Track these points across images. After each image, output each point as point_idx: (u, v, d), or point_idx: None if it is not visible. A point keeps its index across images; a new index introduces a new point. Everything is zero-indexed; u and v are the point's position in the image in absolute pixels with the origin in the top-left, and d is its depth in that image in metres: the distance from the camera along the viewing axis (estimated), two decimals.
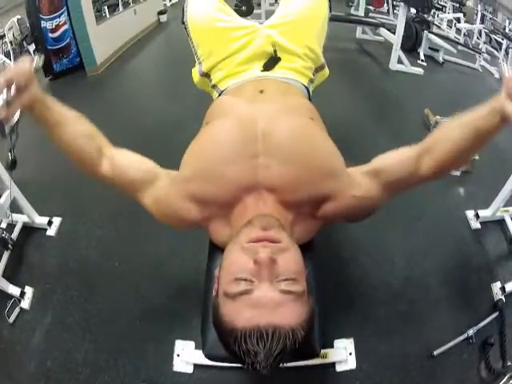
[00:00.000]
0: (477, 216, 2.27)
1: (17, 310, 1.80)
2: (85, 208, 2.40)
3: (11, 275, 1.91)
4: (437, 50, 5.07)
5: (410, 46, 5.04)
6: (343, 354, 1.60)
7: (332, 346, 1.61)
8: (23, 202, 2.11)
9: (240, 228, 0.91)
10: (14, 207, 2.07)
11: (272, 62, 1.41)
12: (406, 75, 4.46)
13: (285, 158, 0.99)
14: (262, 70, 1.40)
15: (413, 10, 5.20)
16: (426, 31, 5.05)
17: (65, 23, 4.25)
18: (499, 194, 2.16)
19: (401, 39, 4.43)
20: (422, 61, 4.86)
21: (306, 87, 1.48)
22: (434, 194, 2.48)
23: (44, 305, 1.84)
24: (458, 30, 6.63)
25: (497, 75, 4.85)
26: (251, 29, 1.46)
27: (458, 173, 2.64)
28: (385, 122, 3.27)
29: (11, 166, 1.05)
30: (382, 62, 4.74)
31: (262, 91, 1.29)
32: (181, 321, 1.74)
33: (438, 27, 6.30)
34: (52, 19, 4.12)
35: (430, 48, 5.13)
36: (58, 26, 4.19)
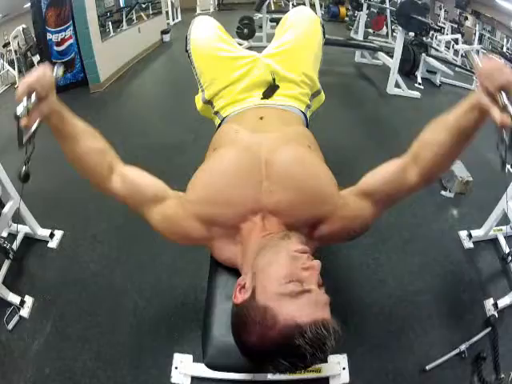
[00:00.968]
0: (469, 236, 2.32)
1: (16, 318, 1.81)
2: (87, 222, 2.44)
3: (11, 284, 1.93)
4: (434, 73, 5.17)
5: (408, 69, 5.17)
6: (337, 368, 1.62)
7: (326, 361, 1.64)
8: (26, 214, 2.14)
9: (275, 240, 0.98)
10: (17, 218, 2.08)
11: (271, 90, 1.50)
12: (403, 99, 4.56)
13: (284, 184, 1.07)
14: (261, 98, 1.49)
15: (411, 33, 5.35)
16: (423, 54, 5.15)
17: (70, 37, 4.32)
18: (492, 214, 2.21)
19: (398, 63, 4.52)
20: (419, 84, 4.96)
21: (304, 113, 1.56)
22: (427, 215, 2.55)
23: (43, 314, 1.86)
24: (456, 51, 6.75)
25: None
26: (251, 58, 1.56)
27: (451, 194, 2.70)
28: (382, 146, 3.31)
29: (24, 179, 0.96)
30: (380, 86, 4.86)
31: (261, 118, 1.36)
32: (179, 334, 1.76)
33: (436, 49, 6.43)
34: (58, 32, 4.20)
35: (427, 71, 5.23)
36: (63, 40, 4.26)
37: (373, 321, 1.84)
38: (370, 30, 7.37)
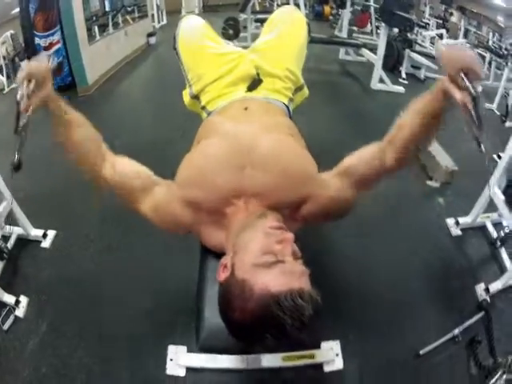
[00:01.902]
0: (457, 223, 2.37)
1: (11, 318, 1.82)
2: (79, 222, 2.45)
3: (6, 285, 1.93)
4: (418, 68, 5.23)
5: (392, 64, 5.23)
6: (330, 354, 1.65)
7: (319, 347, 1.67)
8: (20, 215, 2.15)
9: (252, 220, 1.03)
10: (9, 219, 2.11)
11: (255, 83, 1.55)
12: (387, 94, 4.63)
13: (266, 169, 1.12)
14: (246, 91, 1.54)
15: (395, 30, 5.41)
16: (407, 50, 5.22)
17: (58, 42, 4.31)
18: (478, 201, 2.26)
19: (382, 59, 4.59)
20: (404, 79, 5.03)
21: (287, 106, 1.61)
22: (414, 205, 2.61)
23: (39, 314, 1.87)
24: None
25: (479, 89, 5.01)
26: (237, 54, 1.62)
27: (437, 184, 2.75)
28: (366, 140, 3.31)
29: (16, 168, 1.03)
30: (364, 82, 4.92)
31: (246, 108, 1.41)
32: (173, 327, 1.78)
33: (421, 45, 6.50)
34: (46, 37, 4.18)
35: (412, 66, 5.29)
36: (51, 44, 4.24)
37: (364, 307, 1.86)
38: (355, 28, 7.43)
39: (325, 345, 1.68)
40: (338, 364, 1.64)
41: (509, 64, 4.47)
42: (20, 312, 1.86)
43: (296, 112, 1.76)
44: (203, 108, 1.63)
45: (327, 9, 9.65)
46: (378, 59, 4.59)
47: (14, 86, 4.83)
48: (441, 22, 8.05)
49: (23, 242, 2.25)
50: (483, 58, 5.76)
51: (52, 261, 2.18)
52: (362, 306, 1.87)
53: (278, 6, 7.52)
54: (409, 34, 5.70)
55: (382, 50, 4.55)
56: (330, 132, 3.54)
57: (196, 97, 1.65)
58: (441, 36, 7.01)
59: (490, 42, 6.70)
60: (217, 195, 1.11)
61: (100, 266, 2.13)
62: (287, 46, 1.66)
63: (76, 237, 2.32)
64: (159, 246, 2.13)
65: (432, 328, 1.81)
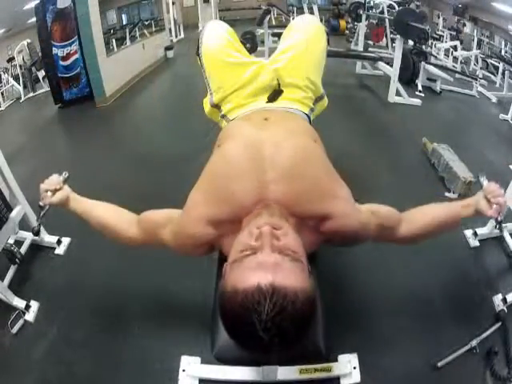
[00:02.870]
0: (475, 234, 2.31)
1: (20, 322, 1.81)
2: (94, 230, 2.43)
3: (17, 289, 1.93)
4: (434, 80, 5.20)
5: (408, 77, 5.20)
6: (348, 367, 1.60)
7: (336, 360, 1.62)
8: (33, 220, 2.14)
9: (248, 221, 1.00)
10: (24, 224, 2.12)
11: (275, 94, 1.54)
12: (404, 106, 4.59)
13: (288, 176, 1.08)
14: (266, 102, 1.52)
15: (410, 42, 5.41)
16: (423, 62, 5.19)
17: (76, 52, 4.37)
18: None
19: (398, 72, 4.57)
20: (420, 92, 4.98)
21: (308, 115, 1.59)
22: None
23: (48, 319, 1.86)
24: (455, 58, 6.81)
25: (494, 99, 5.03)
26: (258, 64, 1.60)
27: (455, 195, 2.69)
28: (384, 153, 3.37)
29: (36, 234, 1.57)
30: (381, 95, 4.90)
31: (266, 119, 1.37)
32: (186, 337, 1.75)
33: (435, 57, 6.48)
34: (64, 47, 4.24)
35: (427, 79, 5.26)
36: (69, 55, 4.31)
37: (382, 319, 1.82)
38: (370, 42, 7.44)
39: (342, 358, 1.63)
40: (355, 377, 1.59)
41: None
42: (30, 316, 1.85)
43: (313, 125, 1.74)
44: (223, 117, 1.61)
45: (343, 23, 9.75)
46: (394, 72, 4.56)
47: (30, 95, 4.92)
48: (454, 33, 8.04)
49: (36, 247, 2.26)
50: (496, 69, 5.72)
51: (65, 268, 2.17)
52: (379, 318, 1.83)
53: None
54: (424, 47, 5.69)
55: (397, 63, 4.53)
56: (349, 146, 3.48)
57: (216, 106, 1.63)
58: (455, 48, 6.97)
59: (503, 52, 6.65)
60: (238, 206, 1.06)
61: (113, 275, 2.11)
62: (307, 54, 1.62)
63: (90, 245, 2.28)
64: (175, 256, 2.08)
65: (450, 339, 1.75)
